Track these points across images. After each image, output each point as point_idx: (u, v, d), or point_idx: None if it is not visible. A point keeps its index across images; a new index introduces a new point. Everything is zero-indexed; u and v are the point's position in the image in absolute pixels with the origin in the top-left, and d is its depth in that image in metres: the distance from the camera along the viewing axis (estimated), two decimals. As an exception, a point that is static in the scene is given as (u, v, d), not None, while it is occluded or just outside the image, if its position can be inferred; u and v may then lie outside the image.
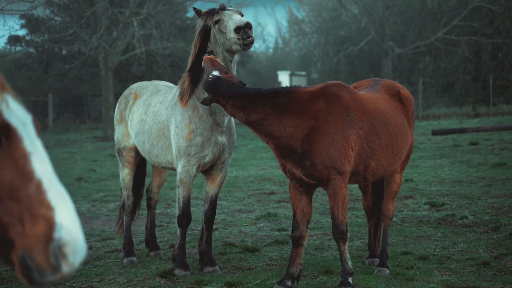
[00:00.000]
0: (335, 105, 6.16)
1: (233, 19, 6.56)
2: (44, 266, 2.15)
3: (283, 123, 6.05)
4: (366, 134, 6.24)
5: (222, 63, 6.38)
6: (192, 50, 6.95)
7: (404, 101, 6.85)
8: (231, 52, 6.69)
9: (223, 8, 6.71)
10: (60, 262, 2.15)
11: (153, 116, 7.36)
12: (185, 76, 7.01)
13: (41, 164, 2.20)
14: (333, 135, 6.06)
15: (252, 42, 6.53)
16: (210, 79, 6.08)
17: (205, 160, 6.91)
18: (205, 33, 6.81)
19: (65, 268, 2.16)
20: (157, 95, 7.59)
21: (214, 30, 6.73)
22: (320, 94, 6.19)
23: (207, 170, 7.11)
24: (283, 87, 6.22)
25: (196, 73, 6.84)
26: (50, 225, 2.13)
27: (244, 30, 6.44)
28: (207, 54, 6.51)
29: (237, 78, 6.21)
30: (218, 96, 6.05)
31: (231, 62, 6.79)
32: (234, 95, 5.98)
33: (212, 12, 6.72)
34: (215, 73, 6.09)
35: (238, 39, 6.48)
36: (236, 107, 6.04)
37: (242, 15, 6.74)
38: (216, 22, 6.67)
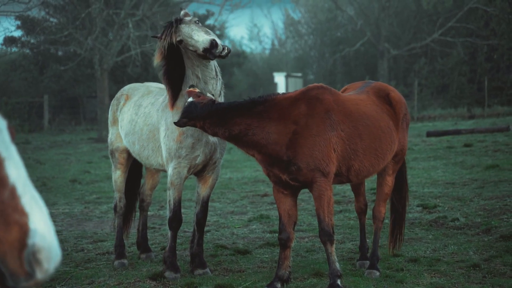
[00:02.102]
0: (316, 108, 6.18)
1: (195, 39, 6.50)
2: (18, 272, 2.14)
3: (267, 130, 6.07)
4: (348, 136, 6.27)
5: (202, 94, 6.35)
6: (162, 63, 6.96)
7: (394, 104, 6.85)
8: (207, 59, 6.68)
9: (178, 21, 6.67)
10: (34, 269, 2.14)
11: (144, 118, 7.36)
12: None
13: (15, 170, 2.19)
14: (315, 138, 6.08)
15: (227, 53, 6.46)
16: (185, 106, 6.18)
17: (197, 161, 6.90)
18: (172, 49, 6.79)
19: (39, 275, 2.14)
20: (148, 96, 7.60)
21: (181, 49, 6.74)
22: (300, 99, 6.22)
23: (199, 171, 7.11)
24: (259, 96, 6.25)
25: (176, 79, 6.85)
26: (24, 231, 2.12)
27: (210, 51, 6.40)
28: (188, 87, 6.51)
29: (210, 98, 6.23)
30: (193, 119, 6.09)
31: (208, 64, 6.79)
32: (208, 114, 6.02)
33: (170, 31, 6.65)
34: (189, 99, 6.18)
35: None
36: (215, 125, 6.08)
37: (198, 21, 6.71)
38: (180, 42, 6.67)
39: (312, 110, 6.16)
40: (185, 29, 6.60)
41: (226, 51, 6.42)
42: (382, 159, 6.60)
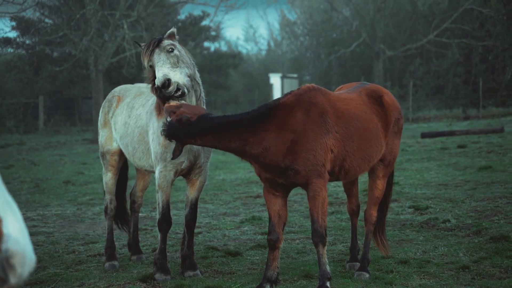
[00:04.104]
0: (311, 113, 6.16)
1: (156, 73, 6.53)
2: (-9, 277, 2.14)
3: (264, 145, 6.04)
4: (342, 138, 6.29)
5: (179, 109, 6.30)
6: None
7: (386, 107, 6.83)
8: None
9: (155, 44, 6.70)
10: (7, 274, 2.13)
11: (136, 120, 7.40)
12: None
13: (-11, 175, 2.19)
14: (313, 143, 6.08)
15: (180, 95, 6.47)
16: (164, 128, 6.07)
17: (182, 167, 6.95)
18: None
19: (13, 279, 2.14)
20: (140, 97, 7.62)
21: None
22: (296, 105, 6.17)
23: (186, 174, 7.13)
24: (254, 110, 6.16)
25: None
26: (-3, 236, 2.12)
27: (160, 90, 6.45)
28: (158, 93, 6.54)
29: (193, 110, 6.13)
30: (181, 140, 6.05)
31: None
32: (201, 131, 5.96)
33: (147, 52, 6.71)
34: (168, 119, 6.08)
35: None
36: (209, 141, 6.04)
37: (172, 50, 6.65)
38: (151, 66, 6.75)
39: (308, 116, 6.14)
40: (154, 56, 6.68)
41: (179, 93, 6.47)
42: (368, 160, 6.61)
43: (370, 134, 6.56)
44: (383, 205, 7.37)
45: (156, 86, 6.50)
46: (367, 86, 7.04)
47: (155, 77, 6.70)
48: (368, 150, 6.54)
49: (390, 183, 7.42)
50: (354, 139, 6.40)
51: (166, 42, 6.72)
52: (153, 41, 6.74)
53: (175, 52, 6.69)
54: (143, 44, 6.89)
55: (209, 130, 5.99)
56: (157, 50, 6.67)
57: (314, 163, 6.07)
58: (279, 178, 6.17)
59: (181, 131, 5.98)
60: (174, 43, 6.76)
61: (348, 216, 10.03)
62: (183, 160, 6.91)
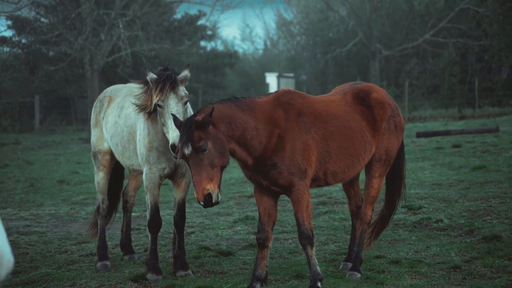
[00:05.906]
0: (290, 112, 6.26)
1: (167, 130, 6.37)
2: (-33, 278, 2.13)
3: (261, 134, 6.11)
4: (321, 138, 6.32)
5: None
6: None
7: (374, 105, 6.82)
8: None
9: (172, 83, 6.52)
10: (-16, 275, 2.13)
11: (125, 119, 7.40)
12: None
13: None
14: (294, 141, 6.14)
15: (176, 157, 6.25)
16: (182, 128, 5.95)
17: (164, 172, 6.98)
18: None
19: (-10, 281, 2.14)
20: (130, 97, 7.61)
21: (158, 107, 6.62)
22: (275, 104, 6.29)
23: (170, 177, 7.15)
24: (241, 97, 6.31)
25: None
26: (-26, 238, 2.11)
27: (174, 149, 6.26)
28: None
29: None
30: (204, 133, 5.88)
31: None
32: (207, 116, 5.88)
33: (162, 88, 6.51)
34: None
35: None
36: (224, 124, 5.99)
37: (187, 102, 6.55)
38: (159, 106, 6.57)
39: (288, 115, 6.24)
40: (170, 102, 6.48)
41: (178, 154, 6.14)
42: (357, 159, 6.60)
43: (352, 133, 6.56)
44: (388, 207, 7.40)
45: (172, 144, 6.28)
46: (357, 86, 7.04)
47: (154, 109, 6.64)
48: (352, 148, 6.53)
49: (397, 188, 7.43)
50: (334, 138, 6.42)
51: (181, 90, 6.56)
52: (168, 82, 6.50)
53: (187, 104, 6.67)
54: (154, 77, 6.60)
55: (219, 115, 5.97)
56: (173, 96, 6.51)
57: (297, 165, 6.11)
58: (264, 180, 6.19)
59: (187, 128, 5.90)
60: (187, 92, 6.66)
61: (342, 216, 10.07)
62: (164, 167, 6.94)
